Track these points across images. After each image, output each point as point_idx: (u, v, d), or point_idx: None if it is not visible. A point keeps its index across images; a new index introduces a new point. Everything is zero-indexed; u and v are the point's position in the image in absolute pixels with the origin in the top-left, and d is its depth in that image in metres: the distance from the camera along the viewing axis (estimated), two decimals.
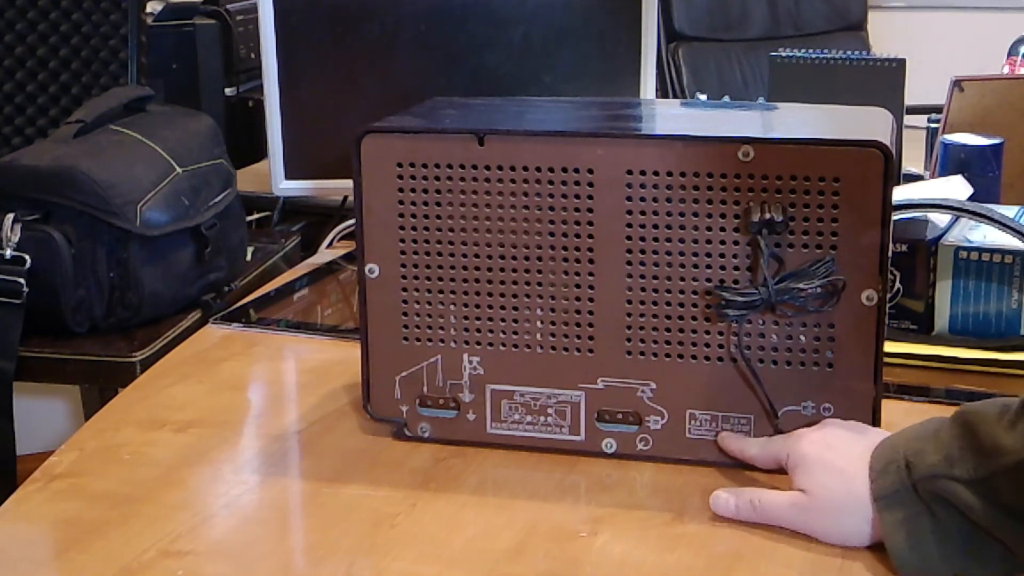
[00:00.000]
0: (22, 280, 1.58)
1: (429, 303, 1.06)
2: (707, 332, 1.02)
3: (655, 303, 1.02)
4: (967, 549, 0.85)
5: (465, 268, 1.05)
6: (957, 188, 1.42)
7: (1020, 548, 0.84)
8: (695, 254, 1.01)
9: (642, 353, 1.03)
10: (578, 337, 1.04)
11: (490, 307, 1.05)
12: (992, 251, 1.24)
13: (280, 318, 1.43)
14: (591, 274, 1.03)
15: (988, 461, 0.83)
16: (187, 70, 2.36)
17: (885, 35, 3.49)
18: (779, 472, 0.98)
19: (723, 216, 0.99)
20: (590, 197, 1.02)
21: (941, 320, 1.27)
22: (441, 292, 1.06)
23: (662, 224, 1.01)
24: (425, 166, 1.04)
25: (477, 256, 1.05)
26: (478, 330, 1.06)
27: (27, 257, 1.58)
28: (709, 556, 0.91)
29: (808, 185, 0.98)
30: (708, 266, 1.01)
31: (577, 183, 1.02)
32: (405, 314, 1.07)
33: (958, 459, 0.85)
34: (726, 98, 1.23)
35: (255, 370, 1.31)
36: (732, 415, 1.03)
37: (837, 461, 0.92)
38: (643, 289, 1.02)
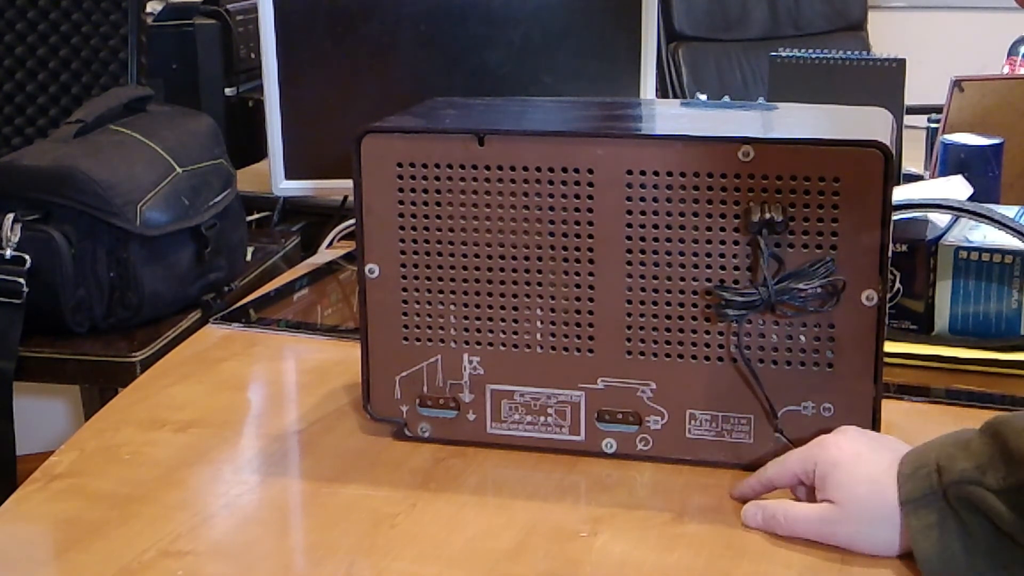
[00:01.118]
0: (22, 280, 1.58)
1: (429, 303, 1.06)
2: (707, 332, 1.02)
3: (655, 303, 1.02)
4: (994, 555, 0.85)
5: (465, 268, 1.05)
6: (957, 188, 1.42)
7: None
8: (695, 254, 1.01)
9: (642, 353, 1.03)
10: (578, 337, 1.04)
11: (490, 307, 1.05)
12: (992, 251, 1.24)
13: (280, 318, 1.43)
14: (591, 274, 1.03)
15: (1017, 471, 0.83)
16: (187, 70, 2.36)
17: (885, 35, 3.49)
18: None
19: (723, 216, 0.99)
20: (590, 197, 1.02)
21: (941, 320, 1.27)
22: (441, 292, 1.06)
23: (662, 224, 1.01)
24: (425, 166, 1.04)
25: (477, 256, 1.05)
26: (478, 330, 1.06)
27: (27, 257, 1.58)
28: (709, 556, 0.91)
29: (808, 185, 0.98)
30: (708, 266, 1.01)
31: (577, 183, 1.02)
32: (405, 314, 1.07)
33: (989, 467, 0.84)
34: (726, 98, 1.23)
35: (255, 370, 1.31)
36: (732, 415, 1.03)
37: (868, 470, 0.91)
38: (643, 289, 1.02)
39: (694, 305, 1.02)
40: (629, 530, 0.94)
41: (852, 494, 0.90)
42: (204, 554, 0.92)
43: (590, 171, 1.01)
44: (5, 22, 2.09)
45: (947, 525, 0.86)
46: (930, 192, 1.36)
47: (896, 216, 1.22)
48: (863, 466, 0.91)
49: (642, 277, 1.02)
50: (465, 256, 1.05)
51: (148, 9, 2.26)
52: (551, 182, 1.02)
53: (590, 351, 1.04)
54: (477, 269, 1.05)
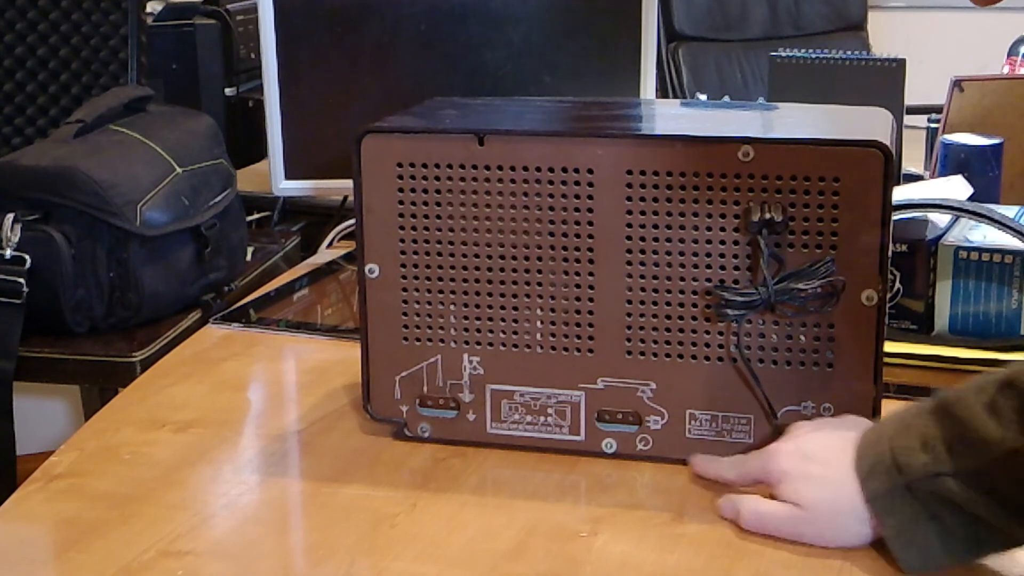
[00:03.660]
0: (22, 280, 1.58)
1: (429, 303, 1.06)
2: (707, 332, 1.02)
3: (655, 303, 1.02)
4: (969, 539, 0.85)
5: (465, 268, 1.05)
6: (957, 188, 1.42)
7: (1018, 530, 0.84)
8: (695, 254, 1.01)
9: (642, 353, 1.03)
10: (578, 337, 1.04)
11: (490, 307, 1.05)
12: (992, 251, 1.24)
13: (280, 318, 1.43)
14: (591, 274, 1.03)
15: (976, 454, 0.83)
16: (187, 70, 2.36)
17: (885, 35, 3.49)
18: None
19: (723, 216, 1.00)
20: (590, 197, 1.02)
21: (941, 320, 1.27)
22: (441, 292, 1.06)
23: (662, 224, 1.01)
24: (425, 166, 1.04)
25: (477, 256, 1.05)
26: (478, 330, 1.06)
27: (27, 257, 1.58)
28: (709, 556, 0.91)
29: (808, 185, 0.98)
30: (708, 266, 1.01)
31: (577, 183, 1.02)
32: (405, 314, 1.07)
33: (946, 454, 0.85)
34: (726, 98, 1.23)
35: (255, 370, 1.31)
36: (732, 415, 1.03)
37: (818, 471, 0.91)
38: (643, 289, 1.02)
39: (694, 305, 1.02)
40: (629, 530, 0.94)
41: (812, 499, 0.91)
42: (204, 554, 0.92)
43: (590, 171, 1.01)
44: (5, 22, 2.09)
45: (919, 521, 0.86)
46: (930, 192, 1.36)
47: (896, 216, 1.22)
48: (813, 469, 0.92)
49: (642, 277, 1.02)
50: (465, 256, 1.05)
51: (148, 9, 2.26)
52: (551, 182, 1.02)
53: (590, 351, 1.04)
54: (477, 269, 1.05)
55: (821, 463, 0.92)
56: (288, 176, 1.61)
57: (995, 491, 0.83)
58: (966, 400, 0.85)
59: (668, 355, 1.03)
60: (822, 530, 0.91)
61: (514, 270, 1.04)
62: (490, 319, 1.06)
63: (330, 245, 1.70)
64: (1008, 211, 1.29)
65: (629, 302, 1.03)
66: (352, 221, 1.50)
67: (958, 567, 0.87)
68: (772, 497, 0.95)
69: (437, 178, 1.04)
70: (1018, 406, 0.81)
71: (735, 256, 1.00)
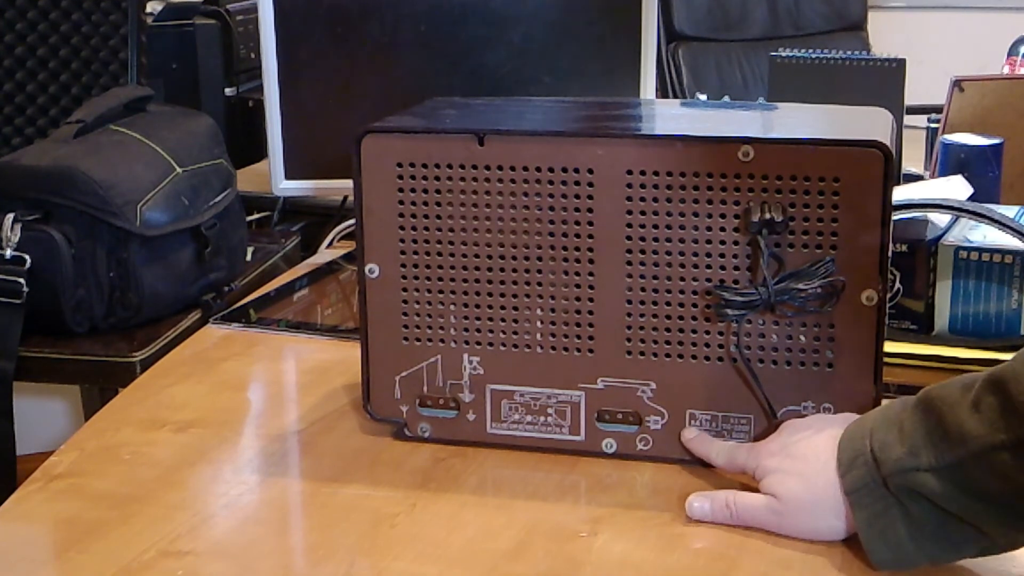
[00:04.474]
0: (22, 280, 1.58)
1: (429, 303, 1.06)
2: (707, 332, 1.02)
3: (655, 303, 1.02)
4: (940, 536, 0.86)
5: (465, 268, 1.05)
6: (957, 188, 1.42)
7: (993, 529, 0.84)
8: (695, 254, 1.01)
9: (642, 353, 1.03)
10: (578, 337, 1.04)
11: (490, 307, 1.05)
12: (992, 251, 1.24)
13: (280, 318, 1.43)
14: (591, 274, 1.03)
15: (954, 448, 0.83)
16: (187, 70, 2.36)
17: (885, 35, 3.49)
18: None
19: (723, 216, 1.00)
20: (590, 197, 1.02)
21: (941, 320, 1.27)
22: (441, 292, 1.06)
23: (662, 224, 1.01)
24: (425, 166, 1.04)
25: (477, 256, 1.05)
26: (478, 330, 1.06)
27: (27, 257, 1.58)
28: (709, 556, 0.91)
29: (808, 185, 0.98)
30: (708, 266, 1.01)
31: (577, 183, 1.02)
32: (405, 314, 1.07)
33: (923, 447, 0.85)
34: (726, 98, 1.23)
35: (255, 370, 1.31)
36: (732, 415, 1.03)
37: (799, 467, 0.92)
38: (643, 289, 1.02)
39: (694, 305, 1.02)
40: (629, 530, 0.94)
41: (790, 492, 0.92)
42: (204, 554, 0.92)
43: (590, 171, 1.01)
44: (5, 22, 2.09)
45: (889, 514, 0.86)
46: (930, 192, 1.36)
47: (896, 216, 1.22)
48: (794, 466, 0.93)
49: (642, 277, 1.02)
50: (465, 256, 1.05)
51: (148, 9, 2.26)
52: (551, 182, 1.02)
53: (590, 351, 1.04)
54: (477, 269, 1.05)
55: (801, 460, 0.92)
56: (288, 176, 1.61)
57: (971, 487, 0.83)
58: (951, 395, 0.85)
59: (668, 355, 1.03)
60: (798, 522, 0.92)
61: (514, 270, 1.04)
62: (490, 319, 1.06)
63: (330, 245, 1.70)
64: (1008, 211, 1.29)
65: (629, 302, 1.03)
66: (352, 221, 1.50)
67: (935, 567, 0.87)
68: (755, 491, 0.95)
69: (437, 178, 1.04)
70: (1000, 403, 0.81)
71: (735, 256, 1.00)
